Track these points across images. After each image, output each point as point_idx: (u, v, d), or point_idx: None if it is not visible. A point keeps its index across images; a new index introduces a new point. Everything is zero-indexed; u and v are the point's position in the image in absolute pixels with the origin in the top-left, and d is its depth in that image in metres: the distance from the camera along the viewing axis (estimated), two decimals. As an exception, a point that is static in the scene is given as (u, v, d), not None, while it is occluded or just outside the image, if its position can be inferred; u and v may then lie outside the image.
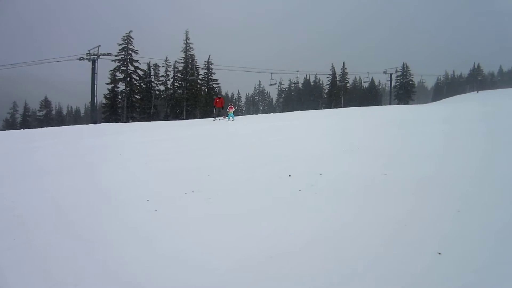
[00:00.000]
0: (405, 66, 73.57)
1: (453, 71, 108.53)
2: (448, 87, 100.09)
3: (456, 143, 7.46)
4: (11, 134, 15.61)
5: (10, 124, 72.25)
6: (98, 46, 33.76)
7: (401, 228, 3.19)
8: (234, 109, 20.48)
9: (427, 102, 60.68)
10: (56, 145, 10.91)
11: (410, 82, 74.17)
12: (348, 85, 78.73)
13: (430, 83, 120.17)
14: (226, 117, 20.43)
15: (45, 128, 20.44)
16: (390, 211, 3.64)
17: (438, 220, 3.31)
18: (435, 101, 58.71)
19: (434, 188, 4.33)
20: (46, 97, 79.41)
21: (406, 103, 67.36)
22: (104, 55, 34.76)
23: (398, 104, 64.51)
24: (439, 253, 2.69)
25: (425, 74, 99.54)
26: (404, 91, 72.86)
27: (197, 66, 53.77)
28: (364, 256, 2.76)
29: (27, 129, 20.48)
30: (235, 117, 20.54)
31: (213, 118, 21.00)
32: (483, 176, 4.70)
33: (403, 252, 2.78)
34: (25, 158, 8.82)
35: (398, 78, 73.19)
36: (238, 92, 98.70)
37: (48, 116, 78.32)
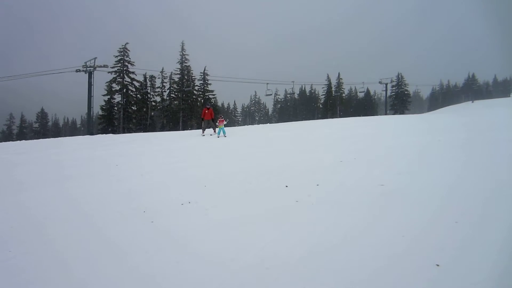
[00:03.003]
0: (400, 76, 74.26)
1: (448, 81, 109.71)
2: (444, 97, 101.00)
3: (454, 152, 7.49)
4: (12, 145, 15.50)
5: (7, 136, 71.94)
6: (95, 58, 33.84)
7: (399, 239, 3.17)
8: (225, 122, 16.32)
9: (422, 112, 61.09)
10: (53, 155, 10.83)
11: (406, 92, 74.75)
12: (343, 95, 79.14)
13: (425, 93, 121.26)
14: (216, 132, 16.40)
15: (41, 139, 20.33)
16: (388, 222, 3.62)
17: (437, 231, 3.29)
18: (431, 110, 59.16)
19: (431, 198, 4.32)
20: (42, 109, 79.45)
21: (402, 113, 67.80)
22: (100, 67, 34.80)
23: (394, 114, 64.91)
24: (438, 265, 2.67)
25: (420, 84, 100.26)
26: (400, 101, 73.38)
27: (193, 77, 54.02)
28: (363, 268, 2.73)
29: (23, 140, 20.35)
30: (226, 129, 16.19)
31: (202, 132, 17.40)
32: (481, 186, 4.71)
33: (402, 264, 2.75)
34: (21, 169, 8.74)
35: (394, 88, 73.80)
36: (234, 102, 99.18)
37: (44, 127, 78.13)
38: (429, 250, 2.93)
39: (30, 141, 18.73)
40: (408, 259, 2.81)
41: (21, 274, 3.01)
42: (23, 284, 2.87)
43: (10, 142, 19.03)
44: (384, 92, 63.43)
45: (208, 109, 17.21)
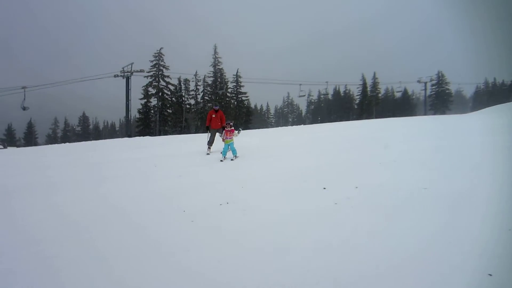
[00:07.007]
0: (440, 75, 71.00)
1: (494, 79, 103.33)
2: (489, 95, 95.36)
3: (503, 155, 7.05)
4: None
5: (52, 139, 76.39)
6: (132, 64, 35.17)
7: (445, 246, 3.00)
8: (237, 134, 10.11)
9: (465, 112, 58.03)
10: (94, 157, 11.33)
11: (447, 91, 71.31)
12: (379, 95, 76.89)
13: (469, 92, 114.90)
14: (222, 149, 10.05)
15: (83, 142, 21.35)
16: (432, 227, 3.45)
17: (487, 238, 3.08)
18: (474, 110, 56.09)
19: (480, 203, 4.07)
20: (84, 113, 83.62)
21: (443, 113, 64.78)
22: (137, 71, 36.15)
23: (434, 114, 62.21)
24: (490, 275, 2.50)
25: (462, 83, 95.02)
26: (440, 100, 70.13)
27: (226, 80, 54.65)
28: (408, 277, 2.61)
29: (67, 143, 21.48)
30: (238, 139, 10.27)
31: (207, 148, 11.08)
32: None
33: (449, 273, 2.60)
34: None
35: (433, 87, 70.66)
36: (267, 104, 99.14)
37: (86, 130, 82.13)
38: (481, 258, 2.76)
39: (73, 143, 19.74)
40: (459, 269, 2.64)
41: (65, 270, 3.15)
42: (64, 281, 2.99)
43: (55, 144, 20.12)
44: (423, 92, 60.99)
45: (216, 111, 11.18)
